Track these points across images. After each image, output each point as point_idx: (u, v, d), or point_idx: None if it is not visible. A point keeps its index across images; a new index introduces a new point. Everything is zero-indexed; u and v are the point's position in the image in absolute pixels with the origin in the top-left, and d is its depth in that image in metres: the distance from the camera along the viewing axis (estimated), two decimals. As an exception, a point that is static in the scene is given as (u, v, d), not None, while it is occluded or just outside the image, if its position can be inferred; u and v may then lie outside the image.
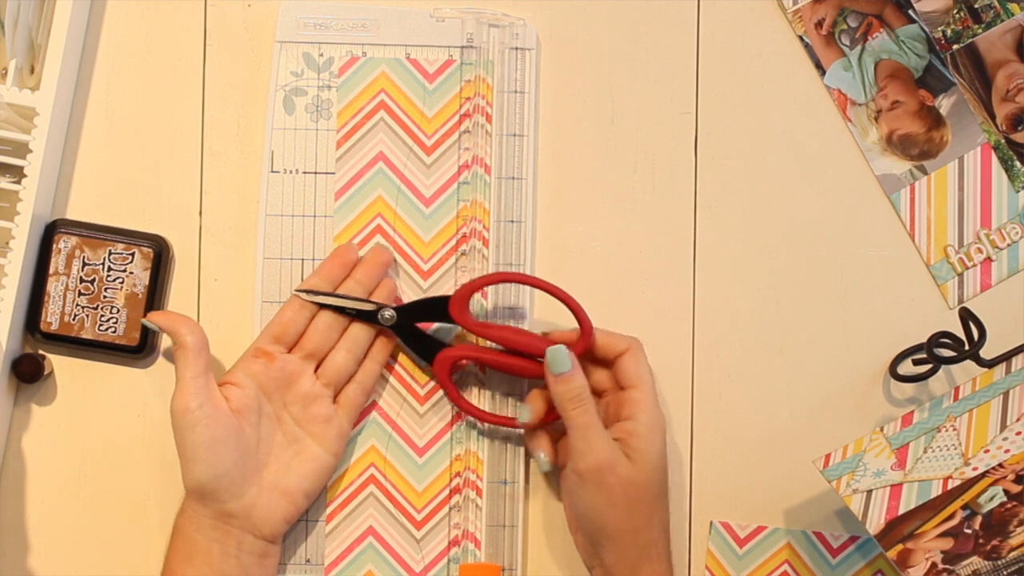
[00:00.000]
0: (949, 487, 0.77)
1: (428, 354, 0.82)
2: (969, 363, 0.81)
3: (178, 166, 0.85)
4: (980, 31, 0.86)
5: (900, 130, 0.86)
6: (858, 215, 0.85)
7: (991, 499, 0.77)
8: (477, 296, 0.83)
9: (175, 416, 0.77)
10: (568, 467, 0.79)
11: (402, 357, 0.84)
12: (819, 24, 0.86)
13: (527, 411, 0.80)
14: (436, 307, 0.81)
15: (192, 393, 0.76)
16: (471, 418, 0.83)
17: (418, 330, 0.82)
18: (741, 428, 0.85)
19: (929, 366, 0.82)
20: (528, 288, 0.83)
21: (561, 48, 0.85)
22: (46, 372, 0.83)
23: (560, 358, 0.78)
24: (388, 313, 0.81)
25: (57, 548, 0.84)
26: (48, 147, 0.81)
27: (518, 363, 0.81)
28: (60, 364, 0.84)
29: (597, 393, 0.81)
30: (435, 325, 0.83)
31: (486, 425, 0.83)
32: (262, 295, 0.83)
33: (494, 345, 0.82)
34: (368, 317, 0.81)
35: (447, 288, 0.84)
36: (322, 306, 0.81)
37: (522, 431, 0.83)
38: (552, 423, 0.81)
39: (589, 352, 0.81)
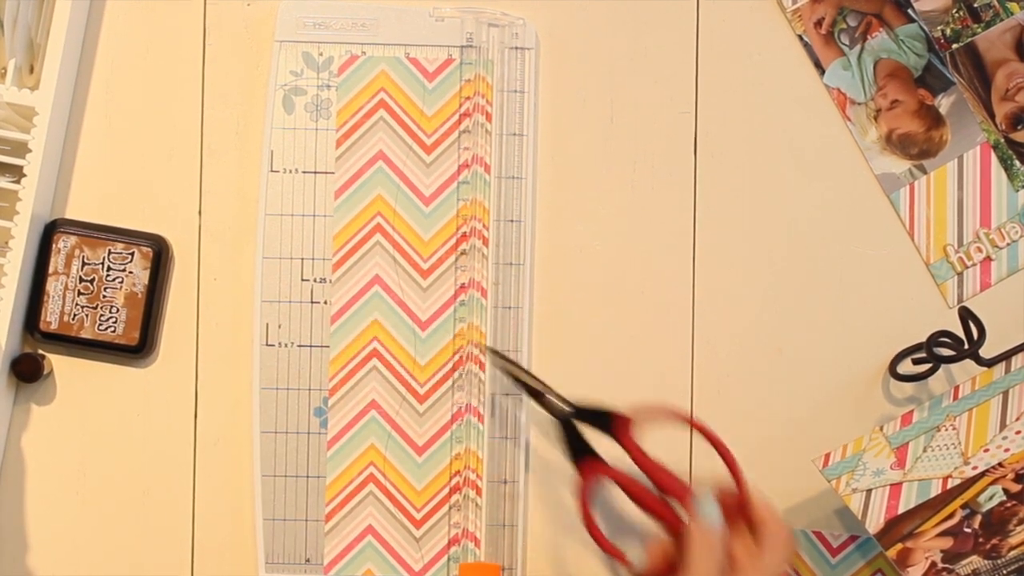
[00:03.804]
0: (949, 486, 0.77)
1: (576, 454, 0.79)
2: (969, 362, 0.81)
3: (178, 166, 0.85)
4: (979, 30, 0.86)
5: (899, 129, 0.86)
6: (857, 214, 0.85)
7: (991, 498, 0.77)
8: None
9: None
10: None
11: (400, 353, 0.84)
12: (818, 23, 0.86)
13: (644, 560, 0.76)
14: (603, 418, 0.78)
15: None
16: (590, 535, 0.79)
17: (577, 429, 0.79)
18: (741, 428, 0.85)
19: (929, 365, 0.82)
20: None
21: (561, 48, 0.85)
22: (46, 372, 0.83)
23: (710, 510, 0.74)
24: (559, 405, 0.80)
25: (57, 548, 0.84)
26: (47, 146, 0.81)
27: (658, 506, 0.77)
28: (60, 364, 0.84)
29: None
30: None
31: (485, 424, 0.83)
32: (262, 295, 0.83)
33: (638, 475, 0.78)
34: (537, 397, 0.80)
35: (447, 287, 0.84)
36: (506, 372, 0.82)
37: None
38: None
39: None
